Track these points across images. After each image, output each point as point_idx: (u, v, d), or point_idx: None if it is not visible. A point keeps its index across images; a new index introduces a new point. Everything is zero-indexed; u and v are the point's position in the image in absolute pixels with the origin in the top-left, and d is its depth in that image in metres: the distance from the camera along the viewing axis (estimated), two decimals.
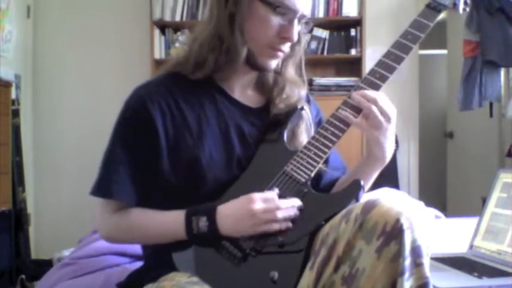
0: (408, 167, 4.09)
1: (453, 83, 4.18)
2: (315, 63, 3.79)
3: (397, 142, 3.54)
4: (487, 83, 3.39)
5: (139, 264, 1.34)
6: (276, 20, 1.15)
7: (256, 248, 1.08)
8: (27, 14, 3.97)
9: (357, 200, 1.09)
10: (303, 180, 1.13)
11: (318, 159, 1.14)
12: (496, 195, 1.56)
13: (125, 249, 1.68)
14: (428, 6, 1.23)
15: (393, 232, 0.93)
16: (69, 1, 4.13)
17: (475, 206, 3.26)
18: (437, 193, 4.98)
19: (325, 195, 1.16)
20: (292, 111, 1.25)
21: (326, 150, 1.15)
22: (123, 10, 4.07)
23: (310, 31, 3.65)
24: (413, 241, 0.94)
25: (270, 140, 1.22)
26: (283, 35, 1.16)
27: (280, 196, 1.11)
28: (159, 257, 1.18)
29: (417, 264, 0.94)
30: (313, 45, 3.78)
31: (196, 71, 1.21)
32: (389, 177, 3.53)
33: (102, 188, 1.18)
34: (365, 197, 1.10)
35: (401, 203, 0.98)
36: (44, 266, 2.94)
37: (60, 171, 4.09)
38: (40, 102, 4.09)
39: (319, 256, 1.00)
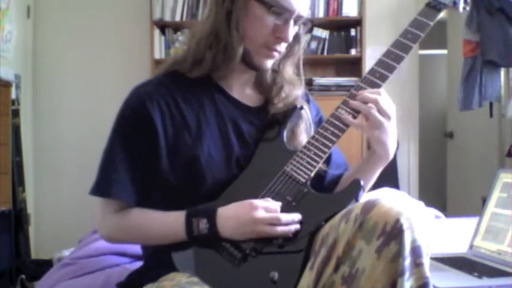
0: (408, 167, 4.09)
1: (453, 83, 4.18)
2: (315, 63, 3.79)
3: (397, 142, 3.54)
4: (487, 83, 3.39)
5: (139, 264, 1.34)
6: (270, 20, 1.15)
7: (256, 248, 1.08)
8: (27, 14, 3.97)
9: (357, 200, 1.09)
10: (303, 180, 1.13)
11: (317, 159, 1.14)
12: (496, 195, 1.56)
13: (125, 249, 1.68)
14: (428, 5, 1.23)
15: (393, 232, 0.93)
16: (69, 1, 4.13)
17: (475, 206, 3.26)
18: (437, 193, 4.98)
19: (324, 196, 1.16)
20: (292, 111, 1.25)
21: (326, 150, 1.14)
22: (123, 10, 4.07)
23: (310, 31, 3.66)
24: (413, 241, 0.94)
25: (269, 140, 1.22)
26: (278, 34, 1.16)
27: (280, 196, 1.11)
28: (159, 257, 1.18)
29: (417, 264, 0.94)
30: (313, 45, 3.78)
31: (194, 69, 1.21)
32: (389, 177, 3.52)
33: (102, 188, 1.18)
34: (365, 197, 1.10)
35: (401, 203, 0.98)
36: (44, 266, 2.94)
37: (60, 171, 4.09)
38: (40, 102, 4.08)
39: (319, 256, 1.00)
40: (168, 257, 1.11)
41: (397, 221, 0.94)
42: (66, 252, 2.45)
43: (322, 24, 3.77)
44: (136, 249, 1.54)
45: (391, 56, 1.18)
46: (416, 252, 0.94)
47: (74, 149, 4.06)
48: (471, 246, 1.54)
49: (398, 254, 0.93)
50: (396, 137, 1.18)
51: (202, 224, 1.10)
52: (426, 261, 0.95)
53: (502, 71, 3.52)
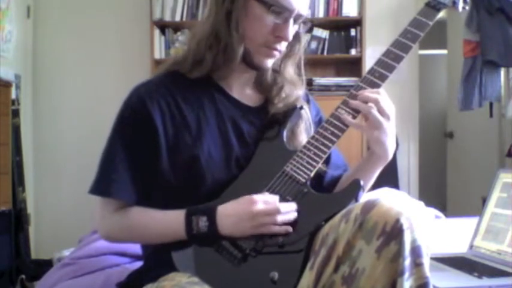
0: (408, 167, 4.09)
1: (453, 83, 4.18)
2: (315, 63, 3.79)
3: (397, 142, 3.54)
4: (487, 83, 3.39)
5: (139, 264, 1.33)
6: (270, 19, 1.15)
7: (256, 248, 1.08)
8: (27, 14, 3.98)
9: (357, 200, 1.09)
10: (303, 180, 1.13)
11: (317, 159, 1.14)
12: (496, 195, 1.56)
13: (125, 249, 1.68)
14: (427, 4, 1.23)
15: (393, 232, 0.93)
16: (69, 1, 4.13)
17: (475, 206, 3.25)
18: (437, 193, 4.98)
19: (324, 196, 1.16)
20: (292, 111, 1.25)
21: (326, 150, 1.14)
22: (123, 10, 4.07)
23: (310, 31, 3.66)
24: (413, 241, 0.94)
25: (269, 140, 1.22)
26: (277, 34, 1.16)
27: (280, 196, 1.11)
28: (159, 257, 1.18)
29: (417, 264, 0.94)
30: (313, 45, 3.78)
31: (194, 69, 1.21)
32: (389, 177, 3.52)
33: (101, 187, 1.18)
34: (365, 197, 1.10)
35: (401, 203, 0.98)
36: (44, 266, 2.94)
37: (60, 171, 4.09)
38: (40, 102, 4.09)
39: (319, 256, 1.00)
40: (168, 256, 1.11)
41: (397, 221, 0.94)
42: (66, 252, 2.45)
43: (322, 24, 3.77)
44: (136, 249, 1.53)
45: (390, 56, 1.18)
46: (416, 252, 0.94)
47: (74, 149, 4.06)
48: (471, 246, 1.54)
49: (398, 254, 0.93)
50: (395, 137, 1.18)
51: (202, 222, 1.10)
52: (426, 261, 0.95)
53: (502, 71, 3.52)
